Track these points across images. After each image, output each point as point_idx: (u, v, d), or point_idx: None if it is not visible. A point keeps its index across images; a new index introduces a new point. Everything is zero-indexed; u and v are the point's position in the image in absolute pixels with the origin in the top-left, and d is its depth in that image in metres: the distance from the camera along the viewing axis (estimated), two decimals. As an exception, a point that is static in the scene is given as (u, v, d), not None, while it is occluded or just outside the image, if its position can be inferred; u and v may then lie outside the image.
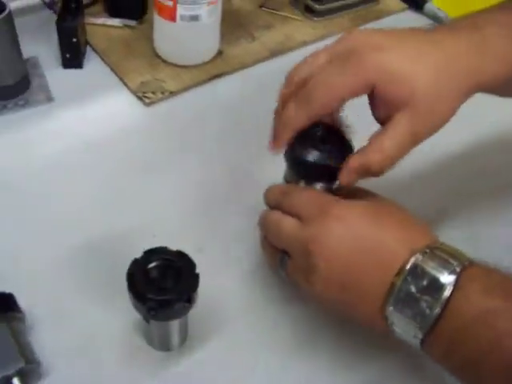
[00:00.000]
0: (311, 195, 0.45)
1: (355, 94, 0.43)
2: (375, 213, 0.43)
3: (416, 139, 0.43)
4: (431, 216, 0.57)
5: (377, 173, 0.44)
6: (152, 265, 0.42)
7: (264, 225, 0.47)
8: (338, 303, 0.44)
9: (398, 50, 0.42)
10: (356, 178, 0.45)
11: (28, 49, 0.70)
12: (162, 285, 0.42)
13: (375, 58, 0.42)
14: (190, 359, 0.48)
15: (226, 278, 0.53)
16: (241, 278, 0.53)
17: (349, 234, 0.42)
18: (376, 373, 0.48)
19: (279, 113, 0.46)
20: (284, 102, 0.46)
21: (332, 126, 0.47)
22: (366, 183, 0.46)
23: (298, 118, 0.44)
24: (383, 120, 0.44)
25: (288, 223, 0.44)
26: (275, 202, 0.47)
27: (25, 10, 0.76)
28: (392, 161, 0.43)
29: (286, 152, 0.47)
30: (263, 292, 0.52)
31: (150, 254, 0.43)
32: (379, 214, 0.43)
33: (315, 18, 0.83)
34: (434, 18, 0.85)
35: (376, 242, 0.41)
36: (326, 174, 0.46)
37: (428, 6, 0.86)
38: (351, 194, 0.46)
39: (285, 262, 0.45)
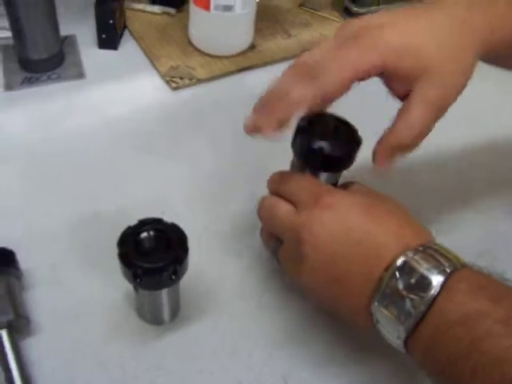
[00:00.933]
0: (308, 182, 0.44)
1: (369, 71, 0.41)
2: (369, 205, 0.42)
3: (440, 107, 0.42)
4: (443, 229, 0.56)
5: (409, 149, 0.43)
6: (144, 234, 0.42)
7: (260, 209, 0.47)
8: (325, 296, 0.43)
9: (401, 25, 0.42)
10: (391, 158, 0.43)
11: (68, 27, 0.73)
12: (151, 254, 0.42)
13: (382, 35, 0.41)
14: (176, 334, 0.48)
15: (228, 262, 0.53)
16: (242, 263, 0.53)
17: (338, 224, 0.41)
18: (365, 376, 0.47)
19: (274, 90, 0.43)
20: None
21: (341, 117, 0.46)
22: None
23: (304, 96, 0.41)
24: (403, 95, 0.43)
25: (283, 209, 0.44)
26: (275, 187, 0.47)
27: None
28: (422, 134, 0.42)
29: (293, 139, 0.47)
30: (261, 281, 0.52)
31: (144, 223, 0.43)
32: (373, 206, 0.42)
33: (353, 21, 0.82)
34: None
35: (366, 234, 0.40)
36: (332, 164, 0.45)
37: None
38: (354, 189, 0.45)
39: (277, 248, 0.45)
